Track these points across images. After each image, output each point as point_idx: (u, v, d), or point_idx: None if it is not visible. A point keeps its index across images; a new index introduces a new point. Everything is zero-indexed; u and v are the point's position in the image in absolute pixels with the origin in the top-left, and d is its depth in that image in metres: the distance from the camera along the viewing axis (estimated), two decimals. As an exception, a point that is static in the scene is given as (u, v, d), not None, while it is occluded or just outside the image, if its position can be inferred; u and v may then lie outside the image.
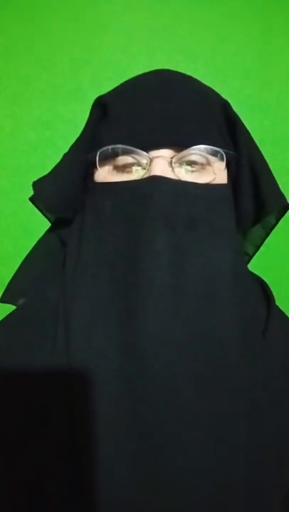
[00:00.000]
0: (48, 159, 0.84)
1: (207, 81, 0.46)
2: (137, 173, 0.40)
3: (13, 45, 0.86)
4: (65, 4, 0.86)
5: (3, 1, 0.85)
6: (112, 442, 0.35)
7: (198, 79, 0.46)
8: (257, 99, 0.89)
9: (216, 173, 0.41)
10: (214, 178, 0.41)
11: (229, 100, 0.44)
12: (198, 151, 0.39)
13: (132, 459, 0.34)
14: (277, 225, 0.49)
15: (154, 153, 0.39)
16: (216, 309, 0.38)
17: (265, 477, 0.36)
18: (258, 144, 0.46)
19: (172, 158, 0.39)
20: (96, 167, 0.41)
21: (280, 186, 0.46)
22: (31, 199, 0.45)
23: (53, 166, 0.47)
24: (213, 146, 0.40)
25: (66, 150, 0.46)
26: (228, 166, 0.43)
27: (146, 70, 0.46)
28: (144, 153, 0.39)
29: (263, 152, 0.46)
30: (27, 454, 0.36)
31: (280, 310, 0.47)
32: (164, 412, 0.35)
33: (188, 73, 0.45)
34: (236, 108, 0.44)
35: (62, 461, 0.35)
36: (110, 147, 0.40)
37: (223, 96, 0.45)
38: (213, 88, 0.45)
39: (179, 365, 0.36)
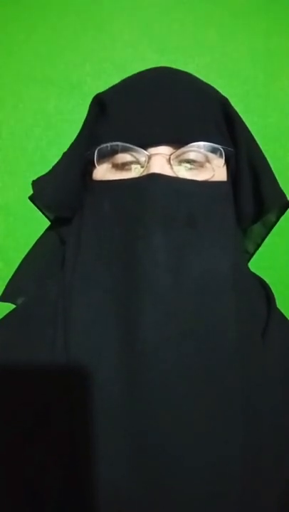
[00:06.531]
0: (49, 158, 0.85)
1: (208, 80, 0.45)
2: (135, 171, 0.40)
3: (15, 42, 0.86)
4: (68, 1, 0.86)
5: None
6: (111, 441, 0.34)
7: (200, 77, 0.45)
8: (259, 98, 0.89)
9: (215, 170, 0.41)
10: (213, 176, 0.40)
11: (231, 98, 0.44)
12: (196, 148, 0.39)
13: (131, 458, 0.34)
14: (279, 225, 0.48)
15: (152, 150, 0.39)
16: (215, 308, 0.38)
17: (263, 477, 0.35)
18: (260, 142, 0.46)
19: (171, 155, 0.39)
20: (94, 165, 0.41)
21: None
22: (31, 198, 0.45)
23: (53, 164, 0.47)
24: (212, 143, 0.40)
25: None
26: (227, 163, 0.43)
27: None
28: (143, 150, 0.39)
29: (264, 150, 0.46)
30: (26, 452, 0.36)
31: (280, 311, 0.47)
32: (163, 411, 0.35)
33: (191, 72, 0.45)
34: (238, 106, 0.44)
35: (61, 460, 0.35)
36: (109, 145, 0.40)
37: (225, 94, 0.45)
38: (215, 86, 0.45)
39: (177, 364, 0.36)
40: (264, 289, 0.48)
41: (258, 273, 0.50)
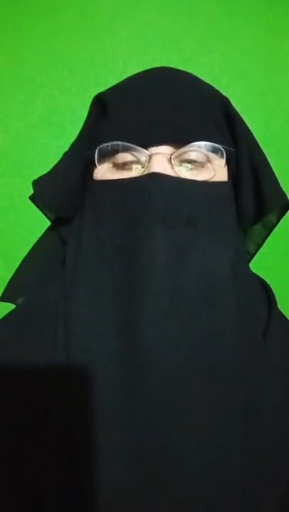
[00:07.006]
0: (49, 158, 0.85)
1: (208, 80, 0.45)
2: (136, 171, 0.40)
3: (15, 42, 0.86)
4: (68, 1, 0.86)
5: None
6: (111, 441, 0.34)
7: (200, 77, 0.45)
8: (260, 97, 0.89)
9: (216, 170, 0.41)
10: (214, 176, 0.40)
11: (232, 98, 0.44)
12: (197, 148, 0.39)
13: (131, 458, 0.34)
14: (280, 226, 0.48)
15: (153, 150, 0.39)
16: (215, 308, 0.38)
17: (263, 477, 0.35)
18: (260, 142, 0.46)
19: (171, 155, 0.39)
20: (95, 164, 0.41)
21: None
22: (31, 198, 0.45)
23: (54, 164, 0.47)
24: (212, 142, 0.40)
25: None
26: (228, 163, 0.42)
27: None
28: (144, 150, 0.39)
29: (265, 150, 0.46)
30: (26, 453, 0.36)
31: (281, 312, 0.47)
32: (163, 411, 0.35)
33: (191, 72, 0.45)
34: (238, 106, 0.44)
35: (61, 460, 0.35)
36: (109, 144, 0.40)
37: (226, 94, 0.45)
38: (216, 86, 0.45)
39: (177, 363, 0.36)
40: (265, 289, 0.47)
41: (258, 274, 0.50)
